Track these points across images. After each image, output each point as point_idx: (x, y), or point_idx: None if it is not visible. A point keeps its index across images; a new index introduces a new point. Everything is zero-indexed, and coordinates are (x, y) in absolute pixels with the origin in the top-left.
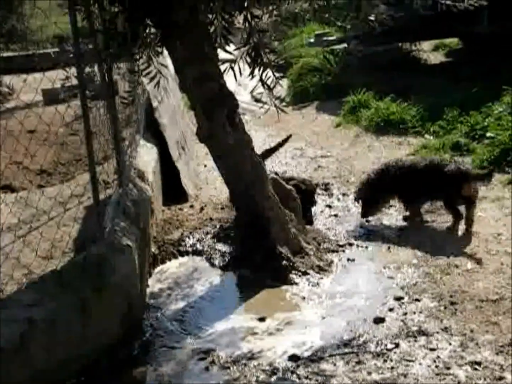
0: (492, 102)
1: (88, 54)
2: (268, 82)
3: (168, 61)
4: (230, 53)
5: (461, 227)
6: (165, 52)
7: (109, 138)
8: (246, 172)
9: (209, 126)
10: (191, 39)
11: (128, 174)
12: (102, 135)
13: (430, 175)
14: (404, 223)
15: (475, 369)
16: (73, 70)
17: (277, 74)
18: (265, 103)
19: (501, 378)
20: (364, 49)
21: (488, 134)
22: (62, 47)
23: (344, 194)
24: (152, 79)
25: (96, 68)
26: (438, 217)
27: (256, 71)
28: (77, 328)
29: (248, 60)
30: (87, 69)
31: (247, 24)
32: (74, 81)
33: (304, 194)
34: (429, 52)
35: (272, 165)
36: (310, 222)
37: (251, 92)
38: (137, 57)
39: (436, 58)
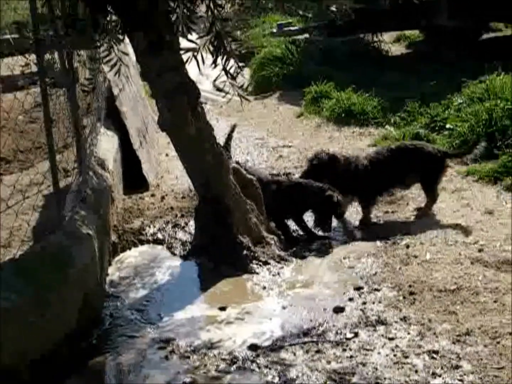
0: (452, 94)
1: (48, 41)
2: (231, 71)
3: (130, 49)
4: (192, 41)
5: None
6: (127, 40)
7: (69, 126)
8: (207, 162)
9: (171, 115)
10: (153, 28)
11: (88, 162)
12: (62, 123)
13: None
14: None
15: (433, 358)
16: (32, 57)
17: (239, 63)
18: (227, 92)
19: (457, 367)
20: (325, 40)
21: (448, 126)
22: (22, 34)
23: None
24: (113, 66)
25: (56, 55)
26: (398, 208)
27: (218, 60)
28: (34, 318)
29: (211, 49)
30: (47, 56)
31: (209, 13)
32: (34, 68)
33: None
34: (390, 43)
35: (234, 154)
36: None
37: (214, 81)
38: (98, 44)
39: (397, 49)
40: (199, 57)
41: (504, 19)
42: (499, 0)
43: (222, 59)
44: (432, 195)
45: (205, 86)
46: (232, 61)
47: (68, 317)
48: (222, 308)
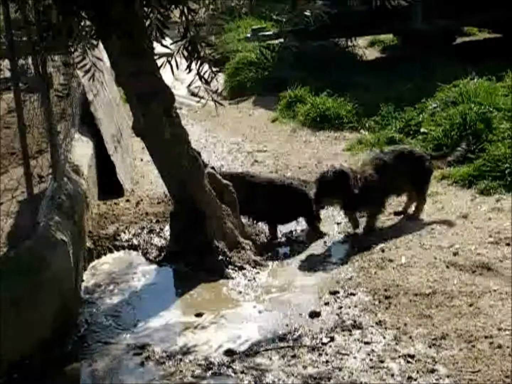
0: (426, 98)
1: (21, 46)
2: (205, 76)
3: (104, 54)
4: (166, 47)
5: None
6: (101, 45)
7: (44, 132)
8: (182, 167)
9: (145, 120)
10: (126, 33)
11: (62, 168)
12: (36, 129)
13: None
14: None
15: (408, 362)
16: (6, 62)
17: (214, 68)
18: (202, 97)
19: (433, 371)
20: (300, 45)
21: (422, 130)
22: None
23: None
24: (87, 72)
25: (30, 60)
26: None
27: (193, 65)
28: (9, 324)
29: (185, 54)
30: (21, 61)
31: (183, 18)
32: (7, 74)
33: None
34: (365, 48)
35: (209, 160)
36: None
37: (188, 86)
38: (72, 50)
39: (372, 54)
40: (173, 62)
41: (477, 24)
42: (473, 5)
43: (196, 64)
44: (423, 197)
45: (180, 91)
46: (206, 66)
47: (43, 323)
48: (198, 315)
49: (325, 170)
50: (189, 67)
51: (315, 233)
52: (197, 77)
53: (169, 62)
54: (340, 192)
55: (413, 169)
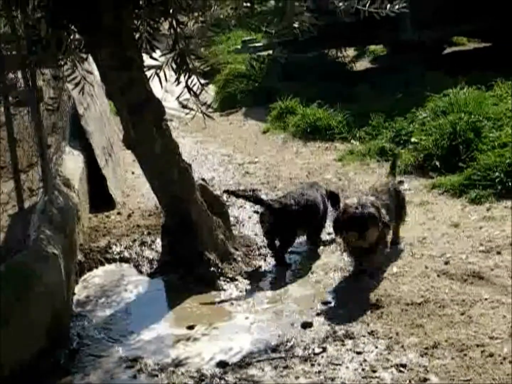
0: (416, 108)
1: (11, 59)
2: (194, 88)
3: (94, 67)
4: (155, 59)
5: None
6: (91, 58)
7: (34, 145)
8: (173, 179)
9: (135, 132)
10: (116, 46)
11: (53, 182)
12: (26, 142)
13: None
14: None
15: (401, 371)
16: None
17: (203, 81)
18: (191, 109)
19: (425, 380)
20: (290, 56)
21: (412, 140)
22: None
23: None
24: (77, 85)
25: (19, 74)
26: None
27: (181, 77)
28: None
29: (174, 66)
30: (10, 75)
31: (172, 31)
32: None
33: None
34: (354, 58)
35: (200, 171)
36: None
37: (177, 98)
38: (61, 63)
39: (362, 64)
40: (162, 75)
41: (467, 33)
42: (462, 15)
43: (184, 76)
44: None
45: (170, 103)
46: (195, 79)
47: (35, 337)
48: (190, 327)
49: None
50: (177, 80)
51: (312, 244)
52: (186, 90)
53: (158, 74)
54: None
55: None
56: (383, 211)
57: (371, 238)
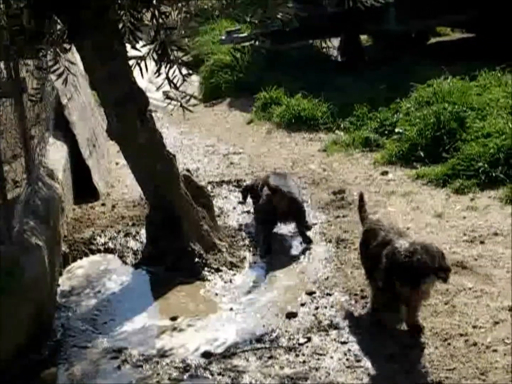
0: (400, 98)
1: None
2: (175, 79)
3: (77, 58)
4: (137, 49)
5: None
6: (74, 49)
7: (17, 137)
8: (157, 170)
9: (119, 123)
10: (99, 37)
11: (37, 173)
12: (10, 133)
13: None
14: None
15: (385, 361)
16: None
17: (185, 71)
18: (173, 99)
19: (410, 369)
20: (274, 47)
21: (397, 130)
22: None
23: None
24: (60, 76)
25: (2, 65)
26: (349, 212)
27: (162, 68)
28: None
29: (155, 57)
30: None
31: (154, 21)
32: None
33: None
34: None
35: (184, 162)
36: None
37: (157, 89)
38: (44, 53)
39: None
40: (143, 65)
41: (451, 24)
42: (446, 5)
43: (165, 67)
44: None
45: (154, 94)
46: (176, 70)
47: (19, 328)
48: (173, 318)
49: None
50: (158, 71)
51: (302, 237)
52: (166, 81)
53: (139, 64)
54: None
55: None
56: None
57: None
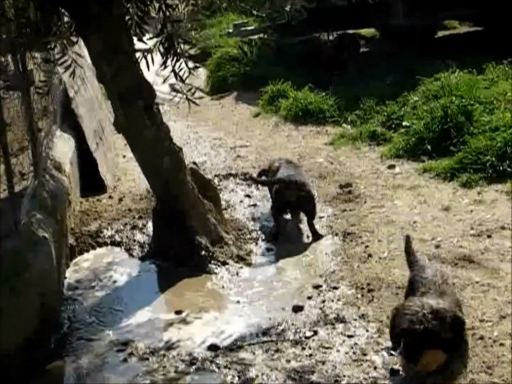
0: (408, 92)
1: (0, 43)
2: (182, 72)
3: (85, 51)
4: (143, 42)
5: None
6: (81, 42)
7: (25, 129)
8: (164, 163)
9: (126, 117)
10: (107, 30)
11: (44, 166)
12: (17, 126)
13: None
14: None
15: (391, 354)
16: None
17: (191, 65)
18: (181, 92)
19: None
20: (281, 40)
21: (404, 123)
22: None
23: (264, 184)
24: (67, 69)
25: (9, 57)
26: (356, 206)
27: (169, 61)
28: None
29: (161, 50)
30: (0, 59)
31: (161, 14)
32: None
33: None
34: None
35: (191, 155)
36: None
37: (164, 81)
38: (51, 46)
39: None
40: (150, 58)
41: (459, 17)
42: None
43: (172, 60)
44: None
45: (162, 87)
46: (182, 63)
47: (26, 321)
48: (179, 311)
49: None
50: (164, 64)
51: (312, 232)
52: (172, 74)
53: (145, 57)
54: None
55: None
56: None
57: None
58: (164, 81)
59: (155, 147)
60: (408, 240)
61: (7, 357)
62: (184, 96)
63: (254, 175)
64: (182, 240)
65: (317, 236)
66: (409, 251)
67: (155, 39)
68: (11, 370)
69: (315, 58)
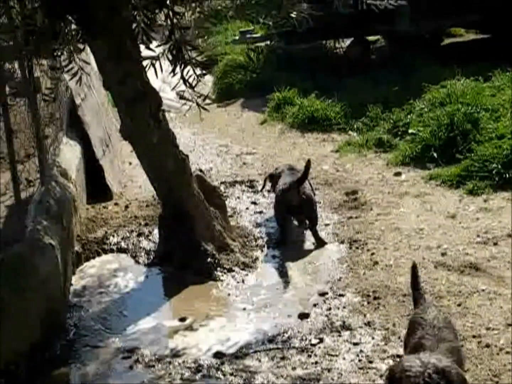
0: (414, 99)
1: (7, 49)
2: (190, 79)
3: (91, 58)
4: (151, 49)
5: None
6: (88, 49)
7: (31, 136)
8: (170, 170)
9: (132, 123)
10: (113, 37)
11: (50, 172)
12: (23, 133)
13: None
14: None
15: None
16: None
17: (199, 72)
18: (188, 99)
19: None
20: (287, 47)
21: (410, 131)
22: None
23: (269, 191)
24: (74, 75)
25: (16, 64)
26: (361, 213)
27: (177, 68)
28: None
29: (170, 57)
30: (7, 65)
31: (168, 21)
32: None
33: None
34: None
35: (197, 162)
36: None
37: (172, 89)
38: (58, 53)
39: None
40: (157, 66)
41: (465, 25)
42: (459, 6)
43: (180, 67)
44: None
45: (168, 94)
46: (190, 70)
47: (32, 327)
48: (185, 318)
49: None
50: (173, 71)
51: (315, 239)
52: (181, 81)
53: (153, 65)
54: None
55: None
56: None
57: None
58: (173, 88)
59: (161, 153)
60: (414, 274)
61: (12, 362)
62: (191, 103)
63: (260, 182)
64: (188, 246)
65: (320, 243)
66: (416, 287)
67: (162, 47)
68: (16, 376)
69: (324, 63)
